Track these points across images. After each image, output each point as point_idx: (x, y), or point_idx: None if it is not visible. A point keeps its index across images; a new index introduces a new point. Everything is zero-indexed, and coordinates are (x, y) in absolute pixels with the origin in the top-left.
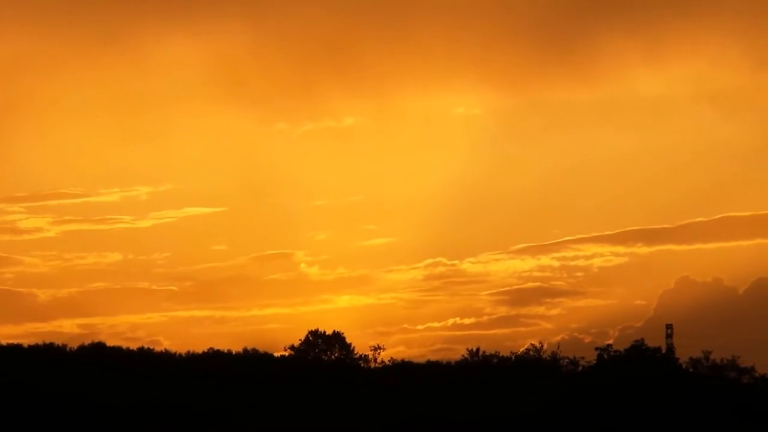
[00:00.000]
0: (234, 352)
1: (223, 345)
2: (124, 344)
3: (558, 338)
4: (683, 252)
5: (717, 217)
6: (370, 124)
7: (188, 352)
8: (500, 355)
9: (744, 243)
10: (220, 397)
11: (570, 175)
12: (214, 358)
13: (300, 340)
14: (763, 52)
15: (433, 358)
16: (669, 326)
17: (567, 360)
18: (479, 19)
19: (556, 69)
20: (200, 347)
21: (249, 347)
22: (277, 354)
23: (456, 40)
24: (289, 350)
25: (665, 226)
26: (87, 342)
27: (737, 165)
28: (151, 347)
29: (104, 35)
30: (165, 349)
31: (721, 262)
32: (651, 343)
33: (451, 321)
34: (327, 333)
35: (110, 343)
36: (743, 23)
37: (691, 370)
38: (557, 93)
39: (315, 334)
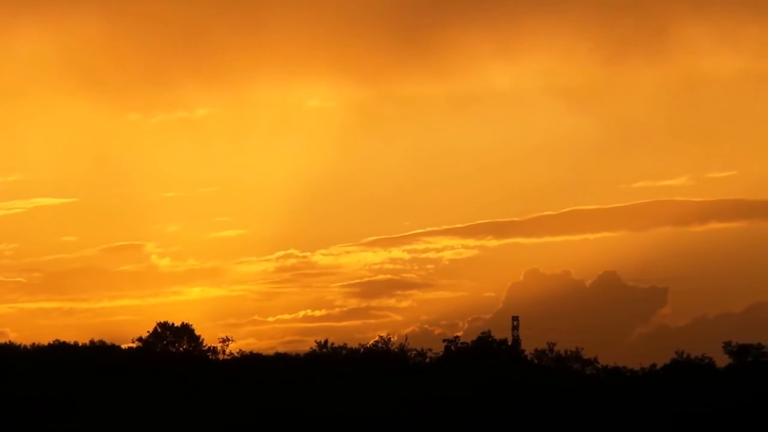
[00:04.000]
0: (80, 344)
1: (70, 337)
2: None
3: (408, 330)
4: (532, 245)
5: (565, 210)
6: (223, 115)
7: (33, 344)
8: (349, 347)
9: (591, 236)
10: (65, 389)
11: (422, 168)
12: (59, 350)
13: (148, 331)
14: (611, 48)
15: (283, 350)
16: (515, 318)
17: (415, 352)
18: (334, 12)
19: (410, 62)
20: (47, 339)
21: (96, 339)
22: (124, 346)
23: (310, 33)
24: (137, 342)
25: (514, 219)
26: None
27: (584, 159)
28: None
29: None
30: (9, 341)
31: (568, 255)
32: (500, 334)
33: (302, 313)
34: (176, 325)
35: None
36: (593, 19)
37: (536, 361)
38: (410, 86)
39: (164, 326)
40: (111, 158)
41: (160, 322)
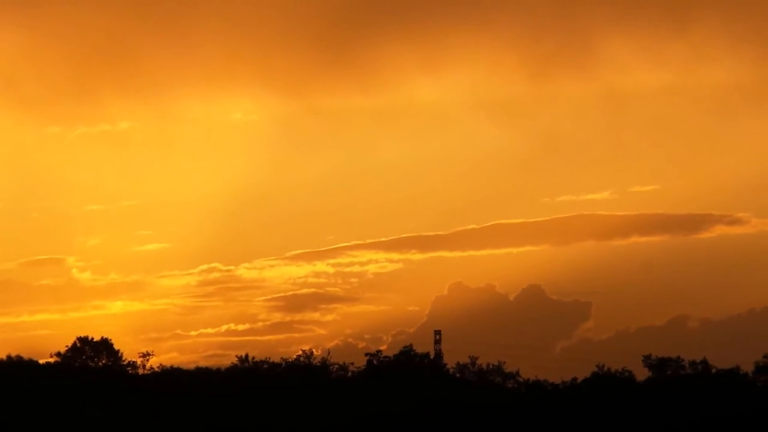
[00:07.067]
0: None
1: None
2: None
3: (332, 344)
4: (456, 258)
5: (489, 224)
6: (146, 128)
7: None
8: (271, 361)
9: (515, 250)
10: None
11: (346, 181)
12: None
13: (67, 346)
14: (536, 64)
15: (205, 364)
16: (437, 332)
17: (337, 366)
18: (258, 25)
19: (335, 76)
20: None
21: (14, 354)
22: (42, 361)
23: (234, 45)
24: (55, 357)
25: (439, 233)
26: None
27: (508, 173)
28: None
29: None
30: None
31: (493, 268)
32: (423, 348)
33: (225, 327)
34: (95, 339)
35: None
36: (518, 34)
37: (458, 375)
38: (335, 100)
39: (83, 341)
40: (31, 171)
41: (79, 337)
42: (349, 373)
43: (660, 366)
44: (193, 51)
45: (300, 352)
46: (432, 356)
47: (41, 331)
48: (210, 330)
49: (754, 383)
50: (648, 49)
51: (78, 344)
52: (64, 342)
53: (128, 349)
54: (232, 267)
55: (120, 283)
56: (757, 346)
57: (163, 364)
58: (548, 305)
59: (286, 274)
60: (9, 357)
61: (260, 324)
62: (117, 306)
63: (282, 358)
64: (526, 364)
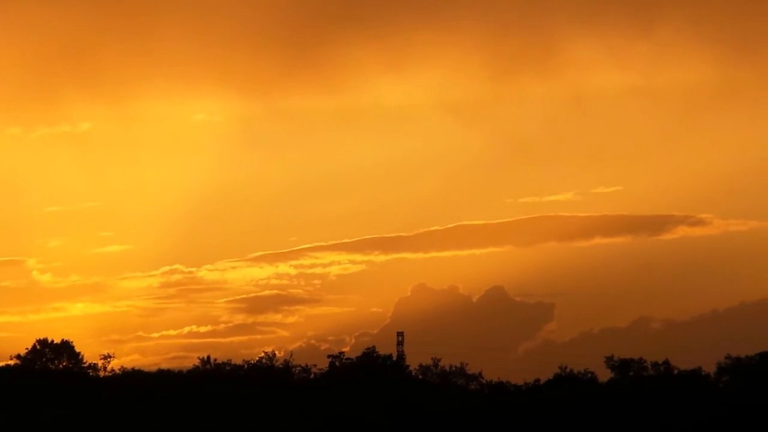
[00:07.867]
0: None
1: None
2: None
3: (295, 346)
4: (419, 260)
5: (452, 225)
6: (107, 129)
7: None
8: (233, 363)
9: (478, 251)
10: None
11: (309, 183)
12: None
13: (27, 349)
14: (500, 64)
15: (167, 366)
16: (400, 334)
17: (299, 368)
18: (221, 25)
19: (298, 76)
20: None
21: None
22: (1, 363)
23: (197, 46)
24: (15, 359)
25: (402, 234)
26: None
27: (471, 174)
28: None
29: None
30: None
31: (456, 269)
32: (386, 350)
33: (187, 329)
34: (55, 342)
35: None
36: (482, 35)
37: (420, 376)
38: (298, 101)
39: (42, 343)
40: None
41: (39, 339)
42: (312, 375)
43: (622, 367)
44: (155, 51)
45: (262, 354)
46: (395, 358)
47: (1, 333)
48: (172, 332)
49: (716, 384)
50: (612, 49)
51: (38, 346)
52: (24, 344)
53: (89, 351)
54: (194, 268)
55: (81, 285)
56: (719, 348)
57: (125, 366)
58: (511, 307)
59: (248, 275)
60: None
61: (222, 326)
62: (78, 308)
63: (244, 360)
64: (489, 365)
